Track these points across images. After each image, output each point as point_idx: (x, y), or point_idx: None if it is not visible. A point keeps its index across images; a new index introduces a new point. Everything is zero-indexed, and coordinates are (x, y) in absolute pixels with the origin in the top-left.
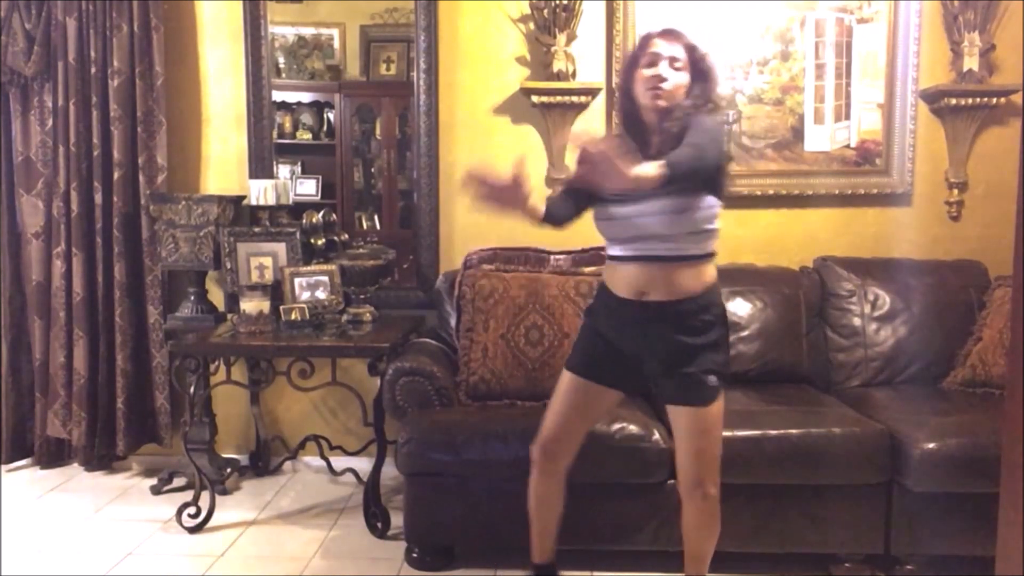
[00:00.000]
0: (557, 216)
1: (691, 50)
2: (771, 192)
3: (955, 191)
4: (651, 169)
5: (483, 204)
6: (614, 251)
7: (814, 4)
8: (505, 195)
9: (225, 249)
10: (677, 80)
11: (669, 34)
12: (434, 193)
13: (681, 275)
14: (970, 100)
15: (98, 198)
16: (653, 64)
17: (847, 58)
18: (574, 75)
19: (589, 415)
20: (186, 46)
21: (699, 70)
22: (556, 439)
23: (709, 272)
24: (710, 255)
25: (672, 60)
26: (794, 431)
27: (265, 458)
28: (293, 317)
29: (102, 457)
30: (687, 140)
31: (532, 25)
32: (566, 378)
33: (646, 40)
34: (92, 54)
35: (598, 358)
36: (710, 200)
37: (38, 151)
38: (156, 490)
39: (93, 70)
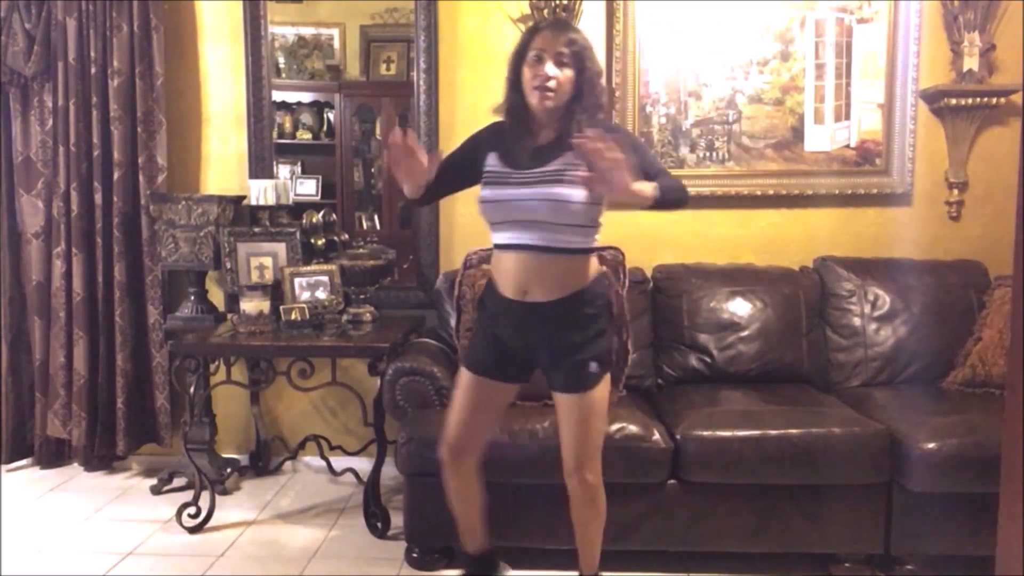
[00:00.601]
0: (431, 195)
1: (576, 44)
2: (771, 192)
3: (955, 191)
4: (648, 189)
5: (396, 169)
6: (498, 239)
7: (814, 4)
8: (417, 167)
9: (225, 249)
10: (563, 78)
11: (555, 27)
12: None
13: (563, 269)
14: (970, 100)
15: (98, 198)
16: (539, 60)
17: (847, 58)
18: None
19: (490, 411)
20: (186, 46)
21: (584, 65)
22: (459, 437)
23: (592, 266)
24: (592, 249)
25: (558, 56)
26: (794, 431)
27: (265, 458)
28: (293, 317)
29: (102, 457)
30: (657, 169)
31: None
32: (463, 376)
33: (532, 34)
34: (92, 54)
35: (491, 354)
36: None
37: (38, 151)
38: (156, 490)
39: (93, 70)
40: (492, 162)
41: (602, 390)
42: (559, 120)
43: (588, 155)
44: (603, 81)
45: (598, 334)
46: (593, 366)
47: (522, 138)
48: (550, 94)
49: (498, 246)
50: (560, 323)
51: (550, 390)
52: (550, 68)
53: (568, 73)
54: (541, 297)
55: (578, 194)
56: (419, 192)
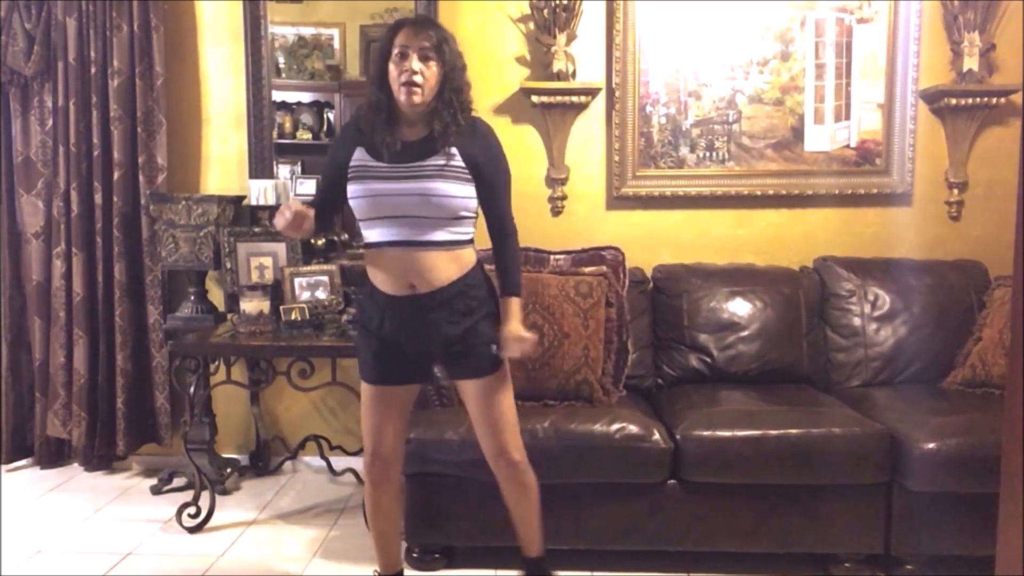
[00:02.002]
0: (323, 222)
1: (437, 38)
2: (771, 192)
3: (955, 191)
4: (518, 314)
5: (292, 233)
6: (372, 236)
7: (814, 4)
8: (302, 225)
9: (225, 249)
10: (429, 73)
11: (417, 23)
12: None
13: (440, 261)
14: (970, 100)
15: (98, 198)
16: (404, 57)
17: (847, 58)
18: (574, 75)
19: (398, 415)
20: (186, 46)
21: (445, 59)
22: (378, 449)
23: (467, 256)
24: (467, 241)
25: (422, 51)
26: (794, 431)
27: (265, 458)
28: (293, 317)
29: (102, 457)
30: (503, 204)
31: (532, 25)
32: (364, 390)
33: (396, 29)
34: (92, 54)
35: (381, 361)
36: (470, 188)
37: (38, 151)
38: (156, 490)
39: (93, 70)
40: (359, 156)
41: (503, 374)
42: (427, 116)
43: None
44: (466, 74)
45: (486, 317)
46: (494, 348)
47: (387, 133)
48: (416, 89)
49: (372, 244)
50: (444, 313)
51: (451, 380)
52: (415, 63)
53: (433, 67)
54: (424, 288)
55: (453, 189)
56: (309, 232)
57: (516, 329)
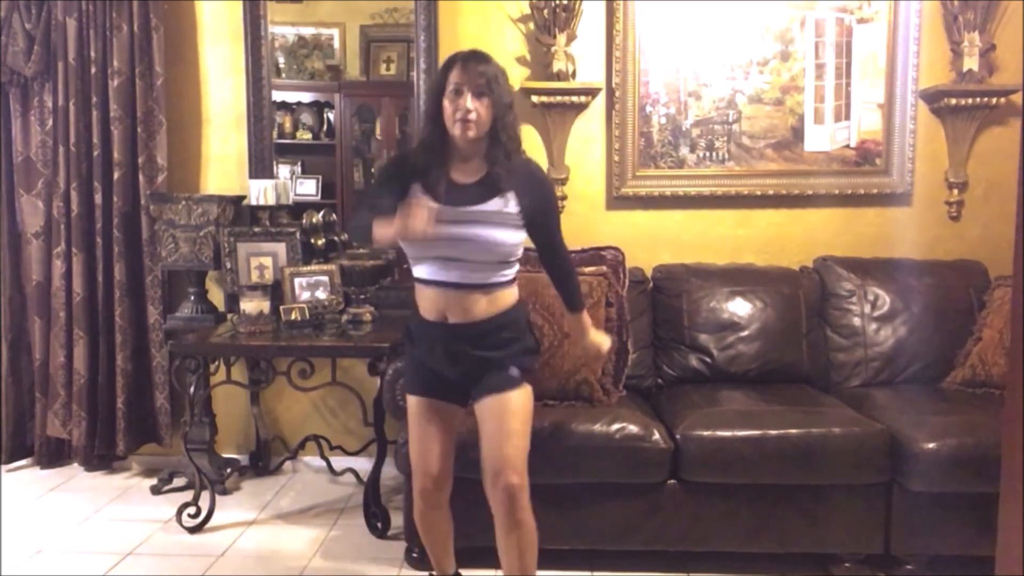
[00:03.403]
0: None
1: (488, 74)
2: (771, 192)
3: (955, 191)
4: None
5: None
6: (419, 272)
7: (814, 4)
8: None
9: (225, 249)
10: (483, 111)
11: (469, 59)
12: None
13: (483, 301)
14: (970, 100)
15: (98, 198)
16: (458, 94)
17: (847, 58)
18: (574, 75)
19: (444, 435)
20: (186, 46)
21: (496, 95)
22: (428, 470)
23: (505, 297)
24: (509, 282)
25: (476, 88)
26: (794, 431)
27: (265, 458)
28: (293, 317)
29: (102, 457)
30: (555, 233)
31: (532, 25)
32: (412, 404)
33: (449, 66)
34: (92, 54)
35: (428, 376)
36: (522, 235)
37: (38, 151)
38: (156, 490)
39: (93, 70)
40: (416, 194)
41: (522, 396)
42: (480, 154)
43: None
44: (513, 112)
45: (520, 352)
46: (513, 371)
47: (441, 171)
48: (471, 125)
49: (419, 280)
50: (478, 341)
51: (476, 402)
52: (469, 102)
53: (486, 103)
54: (460, 319)
55: (506, 236)
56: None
57: (596, 340)
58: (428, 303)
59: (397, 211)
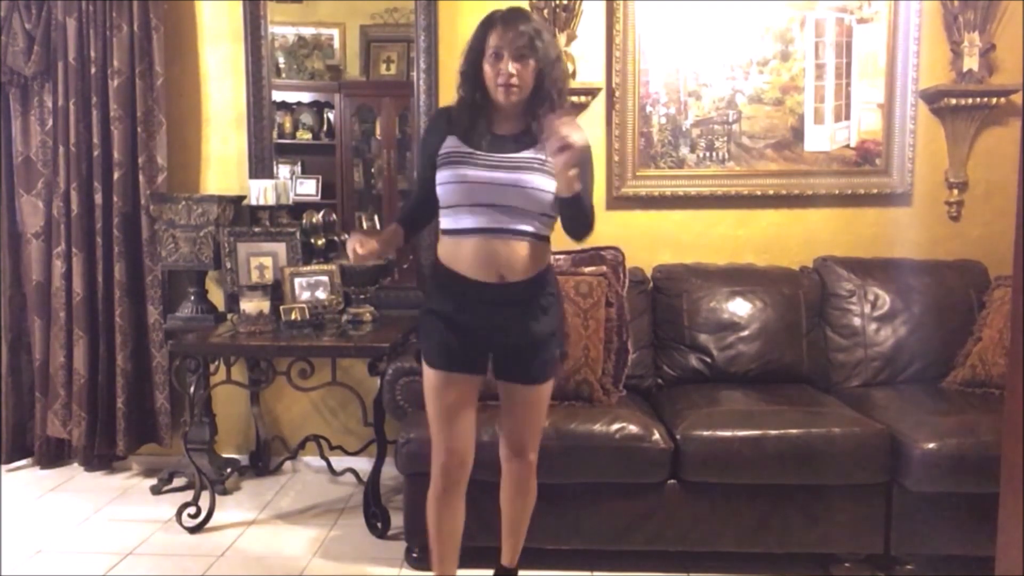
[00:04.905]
0: (419, 225)
1: (528, 34)
2: (771, 192)
3: (955, 191)
4: (577, 186)
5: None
6: (457, 223)
7: (814, 4)
8: (385, 250)
9: (225, 249)
10: (525, 73)
11: (508, 21)
12: None
13: (529, 253)
14: (970, 100)
15: (98, 198)
16: (499, 58)
17: (847, 58)
18: (574, 75)
19: (466, 408)
20: (186, 46)
21: (539, 53)
22: (453, 446)
23: (547, 255)
24: (547, 238)
25: (517, 51)
26: (794, 431)
27: (265, 458)
28: (293, 317)
29: (102, 457)
30: (587, 185)
31: None
32: (428, 380)
33: (488, 27)
34: (92, 54)
35: (451, 347)
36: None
37: (38, 151)
38: (156, 490)
39: (93, 70)
40: (451, 143)
41: (551, 386)
42: (524, 109)
43: (550, 131)
44: (561, 64)
45: (558, 318)
46: (556, 354)
47: (481, 123)
48: (515, 89)
49: (458, 231)
50: (527, 306)
51: (508, 383)
52: (511, 66)
53: (529, 64)
54: (512, 277)
55: (548, 184)
56: (401, 240)
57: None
58: (473, 259)
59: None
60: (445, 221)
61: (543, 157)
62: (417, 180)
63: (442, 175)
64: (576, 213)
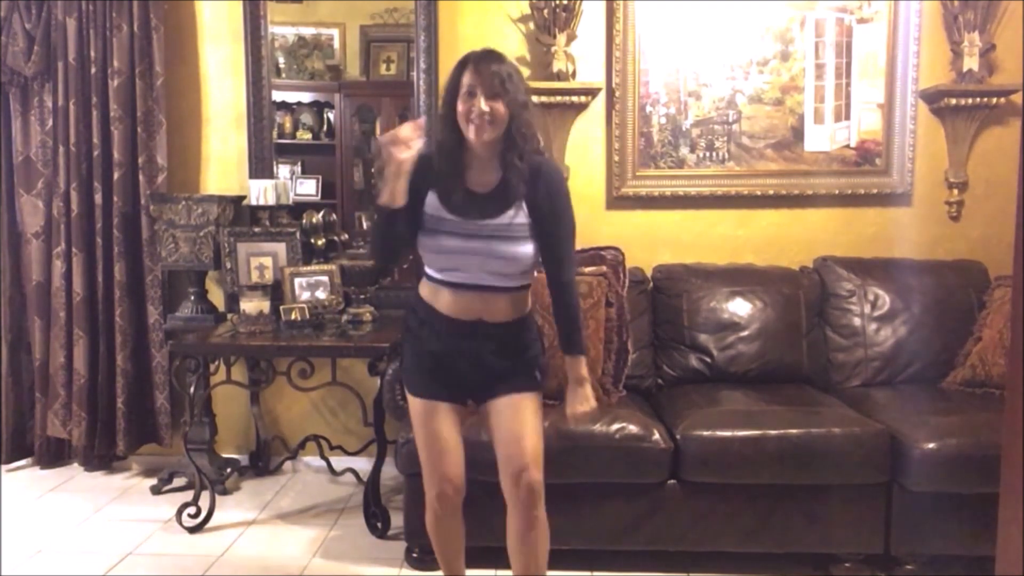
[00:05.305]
0: (395, 251)
1: (502, 74)
2: (771, 192)
3: (955, 191)
4: (586, 375)
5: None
6: (440, 276)
7: (814, 4)
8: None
9: (225, 249)
10: (498, 111)
11: (482, 60)
12: None
13: (507, 302)
14: (970, 100)
15: (98, 198)
16: (472, 95)
17: (847, 58)
18: (574, 75)
19: (458, 431)
20: (186, 46)
21: (511, 96)
22: (448, 473)
23: (524, 301)
24: (527, 286)
25: (489, 89)
26: (794, 431)
27: (265, 458)
28: (293, 317)
29: (102, 457)
30: (566, 244)
31: (532, 25)
32: (417, 406)
33: (462, 67)
34: (92, 54)
35: (431, 376)
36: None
37: (38, 151)
38: (156, 490)
39: (93, 70)
40: (432, 203)
41: (538, 399)
42: (498, 157)
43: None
44: (528, 112)
45: (536, 355)
46: (536, 374)
47: (456, 178)
48: (486, 126)
49: (437, 280)
50: (504, 342)
51: (490, 402)
52: (483, 103)
53: (500, 104)
54: (492, 319)
55: (522, 249)
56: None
57: (588, 397)
58: (448, 301)
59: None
60: (426, 267)
61: (513, 220)
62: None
63: (422, 240)
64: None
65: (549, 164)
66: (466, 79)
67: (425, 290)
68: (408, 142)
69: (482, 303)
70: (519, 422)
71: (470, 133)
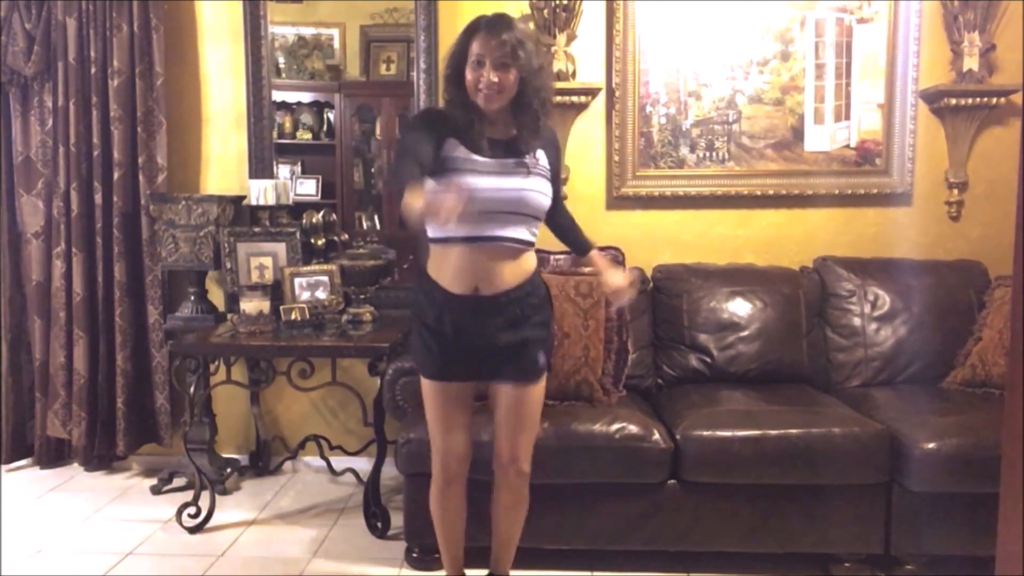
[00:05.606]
0: None
1: (511, 43)
2: (771, 192)
3: (955, 191)
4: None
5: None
6: (450, 229)
7: (814, 4)
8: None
9: (225, 249)
10: (506, 81)
11: (491, 29)
12: None
13: (516, 260)
14: (970, 100)
15: (98, 198)
16: (480, 64)
17: (847, 58)
18: (574, 75)
19: (463, 411)
20: (186, 46)
21: (526, 65)
22: (451, 446)
23: (530, 262)
24: (533, 243)
25: (498, 59)
26: (794, 431)
27: (265, 458)
28: (293, 317)
29: (102, 457)
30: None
31: (532, 25)
32: (426, 388)
33: (471, 33)
34: (92, 54)
35: (441, 357)
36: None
37: (38, 151)
38: (156, 490)
39: (93, 70)
40: (451, 149)
41: (541, 389)
42: (508, 115)
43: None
44: (544, 73)
45: (544, 323)
46: (541, 358)
47: (475, 125)
48: (493, 96)
49: (445, 239)
50: (510, 314)
51: (494, 383)
52: (492, 74)
53: (509, 74)
54: (490, 291)
55: (547, 188)
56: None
57: (615, 278)
58: (454, 269)
59: (433, 177)
60: (438, 229)
61: (544, 164)
62: (409, 149)
63: (442, 183)
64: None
65: (549, 128)
66: (475, 48)
67: (431, 259)
68: (455, 209)
69: (484, 264)
70: (521, 416)
71: (479, 100)
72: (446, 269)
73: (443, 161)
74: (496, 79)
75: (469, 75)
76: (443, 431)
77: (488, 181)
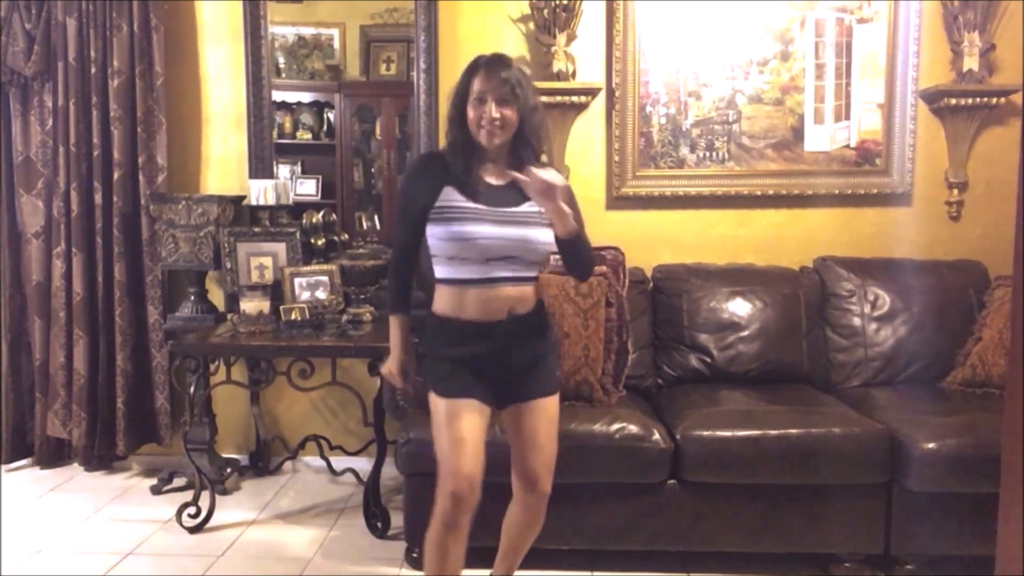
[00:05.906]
0: (410, 288)
1: (511, 81)
2: (771, 192)
3: (955, 191)
4: (572, 224)
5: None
6: (465, 273)
7: (814, 4)
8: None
9: (225, 249)
10: (508, 117)
11: (492, 67)
12: None
13: (525, 295)
14: (970, 100)
15: (98, 198)
16: (482, 102)
17: (847, 58)
18: (574, 75)
19: (483, 432)
20: (186, 46)
21: (524, 103)
22: (468, 470)
23: (537, 290)
24: (537, 277)
25: (499, 96)
26: (794, 431)
27: (265, 458)
28: (293, 317)
29: (102, 457)
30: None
31: (532, 25)
32: (446, 406)
33: (472, 72)
34: (92, 54)
35: (456, 378)
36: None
37: (38, 151)
38: (156, 490)
39: (93, 70)
40: (448, 196)
41: (558, 402)
42: (507, 157)
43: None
44: (539, 114)
45: (554, 341)
46: (557, 373)
47: (473, 171)
48: (496, 131)
49: (460, 281)
50: (528, 329)
51: (518, 403)
52: (493, 111)
53: (511, 109)
54: (499, 318)
55: (547, 236)
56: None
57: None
58: (475, 302)
59: (431, 216)
60: (443, 271)
61: (539, 209)
62: (402, 230)
63: (439, 230)
64: (578, 251)
65: (551, 166)
66: (476, 85)
67: (443, 299)
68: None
69: (513, 295)
70: (542, 431)
71: (481, 138)
72: (468, 304)
73: (442, 209)
74: (498, 115)
75: (471, 112)
76: (457, 453)
77: (484, 229)
